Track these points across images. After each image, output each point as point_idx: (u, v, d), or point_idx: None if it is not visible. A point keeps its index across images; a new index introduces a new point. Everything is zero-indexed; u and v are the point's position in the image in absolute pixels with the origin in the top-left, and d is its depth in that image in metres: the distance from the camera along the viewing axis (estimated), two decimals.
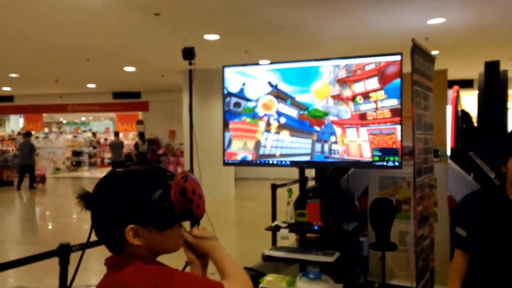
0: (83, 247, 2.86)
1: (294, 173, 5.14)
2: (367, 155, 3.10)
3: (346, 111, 3.18)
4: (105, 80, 14.15)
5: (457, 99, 5.25)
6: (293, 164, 3.44)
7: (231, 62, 3.72)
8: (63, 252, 2.72)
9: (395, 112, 3.00)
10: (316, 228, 3.25)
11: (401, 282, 4.21)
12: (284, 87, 3.40)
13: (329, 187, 3.62)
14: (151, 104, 17.98)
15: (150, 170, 1.20)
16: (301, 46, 8.61)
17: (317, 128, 3.33)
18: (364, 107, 3.10)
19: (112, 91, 17.62)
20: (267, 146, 3.50)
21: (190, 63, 4.14)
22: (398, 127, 2.98)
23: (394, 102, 3.00)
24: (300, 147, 3.39)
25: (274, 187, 6.00)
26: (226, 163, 3.69)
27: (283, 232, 3.26)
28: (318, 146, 3.32)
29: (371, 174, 4.60)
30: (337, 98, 3.21)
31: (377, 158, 2.96)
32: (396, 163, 2.91)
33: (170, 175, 1.21)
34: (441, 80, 4.37)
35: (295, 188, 4.09)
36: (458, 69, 11.25)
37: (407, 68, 3.06)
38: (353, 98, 3.14)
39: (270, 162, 3.49)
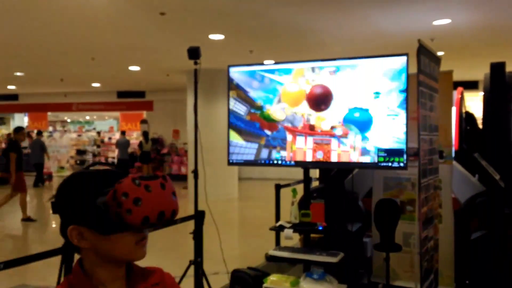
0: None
1: (298, 173, 5.14)
2: (308, 159, 3.31)
3: (300, 120, 3.26)
4: (109, 79, 14.19)
5: (461, 100, 5.24)
6: (298, 164, 3.44)
7: (236, 62, 3.72)
8: (66, 250, 2.72)
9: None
10: (320, 228, 3.25)
11: (405, 283, 4.20)
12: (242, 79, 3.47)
13: (333, 188, 3.62)
14: (156, 103, 18.01)
15: (105, 171, 1.16)
16: (306, 47, 8.61)
17: (267, 132, 3.37)
18: (313, 120, 3.27)
19: (117, 90, 17.66)
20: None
21: (196, 63, 4.13)
22: (333, 140, 3.22)
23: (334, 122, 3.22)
24: (245, 152, 3.46)
25: (278, 187, 6.00)
26: (230, 163, 3.68)
27: (287, 232, 3.25)
28: (264, 152, 3.37)
29: (376, 175, 4.59)
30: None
31: (382, 159, 2.96)
32: (402, 164, 2.90)
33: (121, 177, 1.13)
34: (446, 81, 4.36)
35: (299, 188, 4.09)
36: (463, 70, 11.21)
37: (412, 69, 3.05)
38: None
39: (275, 162, 3.49)
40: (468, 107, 6.16)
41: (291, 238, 3.28)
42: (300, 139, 3.32)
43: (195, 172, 4.27)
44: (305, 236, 3.68)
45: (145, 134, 16.28)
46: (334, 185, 3.66)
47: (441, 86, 3.74)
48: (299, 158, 3.34)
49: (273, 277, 3.06)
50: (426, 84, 3.17)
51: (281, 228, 3.34)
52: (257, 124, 3.42)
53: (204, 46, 4.21)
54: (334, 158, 3.22)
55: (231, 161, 3.67)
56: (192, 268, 3.76)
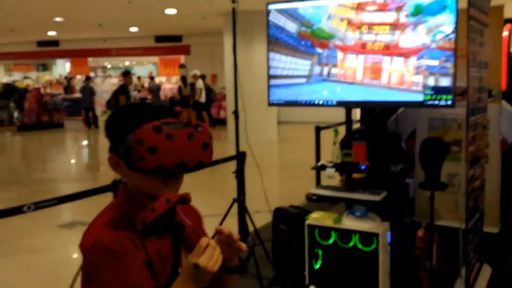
0: None
1: (338, 116, 5.07)
2: (359, 78, 3.17)
3: (351, 37, 3.13)
4: (147, 23, 14.16)
5: (509, 38, 4.98)
6: (340, 104, 3.38)
7: (274, 0, 3.61)
8: (116, 187, 2.83)
9: (388, 47, 3.02)
10: (363, 167, 3.23)
11: (448, 223, 4.20)
12: None
13: (375, 128, 3.56)
14: (193, 47, 17.96)
15: (155, 107, 1.16)
16: None
17: (319, 50, 3.27)
18: (366, 37, 3.09)
19: (154, 35, 17.66)
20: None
21: (233, 1, 4.05)
22: (386, 58, 3.03)
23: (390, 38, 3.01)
24: (298, 68, 3.35)
25: (318, 129, 5.98)
26: (270, 104, 3.66)
27: (329, 171, 3.26)
28: (317, 69, 3.28)
29: (420, 116, 4.49)
30: (348, 23, 3.17)
31: (428, 97, 2.87)
32: (449, 102, 2.81)
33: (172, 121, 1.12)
34: (496, 17, 4.13)
35: (340, 130, 4.06)
36: None
37: (462, 4, 2.89)
38: (359, 27, 3.10)
39: (316, 102, 3.44)
40: None
41: (332, 176, 3.29)
42: (351, 57, 3.20)
43: (236, 113, 4.28)
44: (347, 175, 3.68)
45: (183, 78, 16.35)
46: (376, 126, 3.60)
47: (491, 22, 3.54)
48: (349, 76, 3.21)
49: (315, 214, 3.09)
50: (477, 18, 3.01)
51: (323, 167, 3.34)
52: (308, 42, 3.34)
53: None
54: (384, 79, 3.08)
55: (271, 101, 3.65)
56: (235, 206, 3.86)
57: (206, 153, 1.15)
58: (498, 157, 4.26)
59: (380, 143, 3.53)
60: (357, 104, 3.38)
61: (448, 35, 2.78)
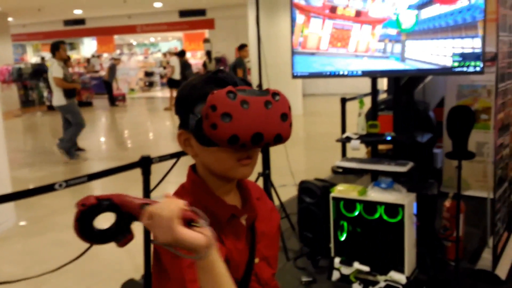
0: (163, 158, 3.01)
1: (364, 88, 4.99)
2: (323, 47, 3.17)
3: None
4: None
5: None
6: (365, 74, 3.32)
7: None
8: (145, 164, 2.88)
9: (359, 14, 3.04)
10: (389, 138, 3.19)
11: (476, 193, 4.14)
12: None
13: (402, 98, 3.49)
14: (217, 21, 17.86)
15: (218, 78, 1.06)
16: None
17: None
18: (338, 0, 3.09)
19: (178, 10, 17.62)
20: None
21: None
22: (356, 26, 3.06)
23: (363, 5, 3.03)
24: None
25: (344, 101, 5.91)
26: (294, 76, 3.63)
27: (354, 143, 3.23)
28: None
29: (449, 84, 4.39)
30: None
31: (456, 64, 2.79)
32: (478, 68, 2.72)
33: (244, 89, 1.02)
34: None
35: (366, 101, 4.00)
36: None
37: None
38: None
39: (340, 73, 3.39)
40: None
41: (358, 148, 3.26)
42: (315, 22, 3.12)
43: (260, 87, 4.26)
44: (373, 147, 3.64)
45: (208, 53, 16.34)
46: (403, 96, 3.54)
47: None
48: (310, 45, 3.17)
49: (340, 187, 3.09)
50: None
51: (348, 139, 3.31)
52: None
53: None
54: (352, 47, 3.07)
55: (295, 73, 3.61)
56: (260, 180, 3.88)
57: (284, 125, 1.03)
58: None
59: (407, 113, 3.47)
60: (382, 73, 3.32)
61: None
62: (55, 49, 6.84)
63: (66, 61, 7.19)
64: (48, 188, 2.58)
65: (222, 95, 0.96)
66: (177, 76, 13.35)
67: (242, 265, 1.10)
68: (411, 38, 2.90)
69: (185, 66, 13.54)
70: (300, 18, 3.22)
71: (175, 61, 13.72)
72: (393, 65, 3.04)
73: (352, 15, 3.07)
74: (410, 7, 2.89)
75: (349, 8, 3.08)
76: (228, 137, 0.96)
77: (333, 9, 3.11)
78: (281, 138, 1.03)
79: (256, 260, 1.13)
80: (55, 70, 6.80)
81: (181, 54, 14.01)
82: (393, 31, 2.97)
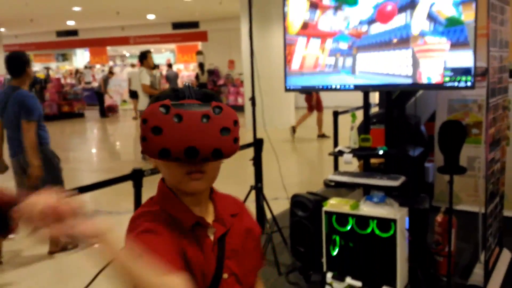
0: (155, 171, 2.99)
1: (356, 101, 5.00)
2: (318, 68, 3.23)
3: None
4: (164, 10, 14.16)
5: None
6: (357, 88, 3.34)
7: None
8: (136, 176, 2.86)
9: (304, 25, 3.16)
10: (381, 152, 3.19)
11: (467, 207, 4.15)
12: None
13: (394, 112, 3.51)
14: (210, 33, 17.94)
15: (175, 89, 1.07)
16: None
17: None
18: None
19: (171, 22, 17.68)
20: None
21: None
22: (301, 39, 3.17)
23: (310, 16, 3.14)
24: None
25: (336, 114, 5.93)
26: (287, 89, 3.64)
27: (347, 156, 3.23)
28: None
29: (440, 98, 4.42)
30: None
31: (448, 79, 2.81)
32: (469, 84, 2.74)
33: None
34: None
35: (358, 114, 4.01)
36: None
37: None
38: None
39: (333, 87, 3.41)
40: None
41: (350, 162, 3.26)
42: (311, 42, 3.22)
43: (253, 99, 4.27)
44: (365, 160, 3.64)
45: (201, 65, 16.38)
46: (395, 109, 3.55)
47: None
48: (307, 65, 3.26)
49: (332, 201, 3.08)
50: None
51: (340, 153, 3.31)
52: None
53: None
54: (295, 64, 3.20)
55: (288, 87, 3.62)
56: (253, 193, 3.86)
57: (224, 140, 1.01)
58: None
59: (399, 127, 3.48)
60: (374, 87, 3.33)
61: (356, 25, 2.98)
62: (143, 58, 7.33)
63: (153, 68, 7.59)
64: None
65: (155, 109, 0.98)
66: (134, 87, 13.55)
67: (209, 277, 1.09)
68: (361, 51, 3.01)
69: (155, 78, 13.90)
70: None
71: (131, 73, 14.26)
72: (344, 79, 3.14)
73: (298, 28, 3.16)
74: (361, 22, 2.99)
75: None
76: (158, 150, 0.98)
77: None
78: (220, 153, 1.01)
79: (225, 276, 1.12)
80: (143, 77, 7.19)
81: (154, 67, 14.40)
82: (344, 45, 3.06)
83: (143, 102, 7.38)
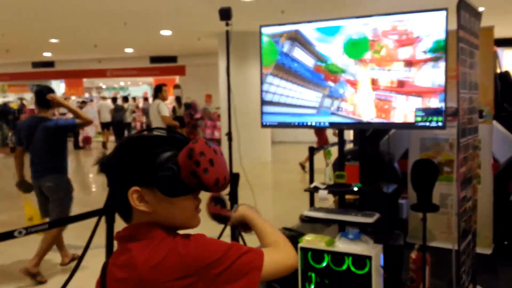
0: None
1: (331, 137, 5.08)
2: (366, 117, 3.20)
3: (363, 72, 3.17)
4: (142, 44, 14.26)
5: (495, 60, 5.04)
6: (332, 125, 3.40)
7: (267, 23, 3.65)
8: (109, 211, 2.82)
9: (401, 84, 3.05)
10: (355, 189, 3.23)
11: (441, 244, 4.19)
12: (307, 32, 3.38)
13: (368, 149, 3.58)
14: (188, 68, 18.06)
15: (159, 136, 1.12)
16: (341, 4, 8.37)
17: (331, 84, 3.30)
18: (377, 73, 3.13)
19: (149, 56, 17.77)
20: (269, 91, 3.55)
21: (227, 24, 4.09)
22: (397, 97, 3.06)
23: (404, 75, 3.04)
24: (308, 99, 3.38)
25: (312, 150, 5.98)
26: (264, 125, 3.68)
27: (322, 193, 3.26)
28: (327, 102, 3.32)
29: (412, 136, 4.52)
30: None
31: (419, 119, 2.89)
32: (440, 124, 2.83)
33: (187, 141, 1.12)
34: (487, 38, 4.19)
35: (333, 151, 4.06)
36: (505, 26, 10.72)
37: (452, 25, 2.93)
38: (370, 62, 3.17)
39: (309, 123, 3.46)
40: (504, 66, 5.91)
41: (326, 199, 3.29)
42: (360, 93, 3.22)
43: (229, 135, 4.29)
44: (340, 197, 3.68)
45: (178, 99, 16.39)
46: (369, 146, 3.62)
47: (481, 43, 3.59)
48: (357, 113, 3.24)
49: (308, 237, 3.08)
50: (467, 40, 3.05)
51: (316, 189, 3.34)
52: (321, 75, 3.37)
53: (234, 8, 4.15)
54: (396, 117, 3.07)
55: (264, 123, 3.66)
56: (228, 228, 3.83)
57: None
58: (490, 178, 4.28)
59: (373, 163, 3.54)
60: (349, 126, 3.40)
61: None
62: (158, 91, 7.57)
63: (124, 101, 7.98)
64: (8, 236, 2.48)
65: (203, 143, 1.08)
66: (104, 119, 15.42)
67: None
68: None
69: (119, 109, 15.41)
70: (350, 90, 3.29)
71: (101, 105, 15.68)
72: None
73: (394, 85, 3.10)
74: None
75: (389, 78, 3.12)
76: (214, 180, 1.08)
77: (374, 82, 3.17)
78: (228, 182, 1.16)
79: None
80: (162, 109, 7.39)
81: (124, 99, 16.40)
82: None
83: None
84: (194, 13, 9.08)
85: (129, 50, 15.98)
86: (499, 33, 5.88)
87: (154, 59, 17.95)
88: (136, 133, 1.16)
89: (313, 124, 3.45)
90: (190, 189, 1.09)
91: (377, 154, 4.06)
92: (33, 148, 4.32)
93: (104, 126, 15.61)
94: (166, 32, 11.78)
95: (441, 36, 2.90)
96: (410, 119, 3.01)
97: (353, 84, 3.22)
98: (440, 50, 2.91)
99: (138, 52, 16.53)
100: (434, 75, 2.92)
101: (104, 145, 15.31)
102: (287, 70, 3.47)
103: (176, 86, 18.16)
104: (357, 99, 3.22)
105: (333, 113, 3.32)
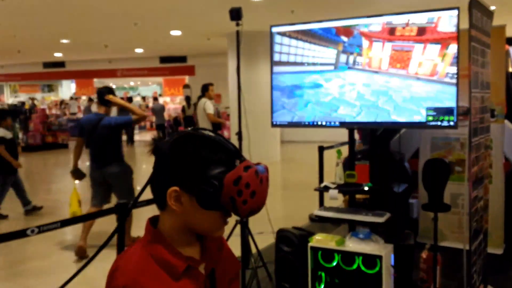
0: (139, 204, 2.97)
1: (341, 136, 5.07)
2: (384, 68, 3.08)
3: (378, 23, 3.10)
4: (152, 44, 14.32)
5: (507, 59, 5.00)
6: (342, 124, 3.39)
7: (276, 23, 3.65)
8: (120, 210, 2.84)
9: (421, 31, 2.94)
10: (366, 188, 3.23)
11: (452, 244, 4.17)
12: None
13: (378, 149, 3.56)
14: (197, 68, 18.11)
15: (213, 139, 1.11)
16: (352, 4, 8.35)
17: (344, 38, 3.27)
18: (396, 20, 3.04)
19: (159, 56, 17.84)
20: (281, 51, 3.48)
21: (237, 24, 4.10)
22: (418, 46, 2.93)
23: (423, 20, 2.93)
24: (324, 56, 3.34)
25: (321, 149, 5.98)
26: (274, 125, 3.68)
27: (332, 192, 3.25)
28: (343, 57, 3.28)
29: (423, 135, 4.50)
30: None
31: (431, 118, 2.88)
32: (451, 123, 2.82)
33: (239, 157, 1.11)
34: (498, 37, 4.16)
35: (343, 150, 4.05)
36: None
37: (464, 24, 2.92)
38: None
39: (319, 123, 3.46)
40: None
41: (336, 198, 3.28)
42: (377, 45, 3.11)
43: (239, 134, 4.29)
44: (350, 196, 3.67)
45: (187, 99, 16.46)
46: (379, 146, 3.61)
47: (493, 42, 3.56)
48: (374, 65, 3.13)
49: (318, 236, 3.08)
50: (478, 39, 3.03)
51: (326, 188, 3.34)
52: (333, 30, 3.34)
53: (244, 8, 4.15)
54: (412, 69, 2.95)
55: (274, 122, 3.67)
56: (238, 227, 3.84)
57: None
58: (502, 177, 4.25)
59: (383, 163, 3.53)
60: (359, 125, 3.39)
61: None
62: (205, 90, 8.23)
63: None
64: (20, 234, 2.51)
65: (253, 174, 1.06)
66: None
67: None
68: None
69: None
70: (365, 43, 3.21)
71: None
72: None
73: (413, 33, 2.98)
74: None
75: (409, 26, 2.99)
76: (248, 211, 1.08)
77: (391, 31, 3.06)
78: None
79: None
80: (207, 107, 7.96)
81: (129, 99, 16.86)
82: None
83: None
84: (203, 13, 9.11)
85: (139, 50, 16.06)
86: (511, 32, 5.83)
87: (164, 59, 18.02)
88: (194, 132, 1.13)
89: (324, 123, 3.45)
90: (224, 208, 1.08)
91: (387, 154, 4.04)
92: (95, 142, 4.85)
93: None
94: (176, 32, 11.83)
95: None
96: (426, 68, 2.90)
97: (368, 36, 3.15)
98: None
99: (148, 52, 16.61)
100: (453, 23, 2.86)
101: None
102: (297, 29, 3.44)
103: (186, 86, 18.24)
104: (372, 52, 3.13)
105: (350, 68, 3.27)
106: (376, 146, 3.54)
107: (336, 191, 3.25)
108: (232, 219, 3.94)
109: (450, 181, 3.11)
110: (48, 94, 26.11)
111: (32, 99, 22.24)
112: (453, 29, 2.86)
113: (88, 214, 3.04)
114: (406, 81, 3.02)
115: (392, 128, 4.11)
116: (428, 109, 2.89)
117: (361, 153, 4.37)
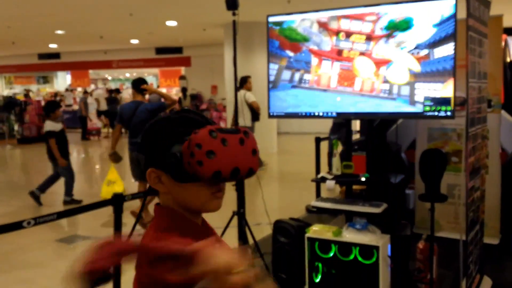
0: (135, 196, 2.96)
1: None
2: (333, 85, 3.20)
3: (328, 43, 3.15)
4: (148, 35, 14.23)
5: (505, 48, 4.99)
6: (339, 115, 3.38)
7: (272, 13, 3.62)
8: (117, 202, 2.83)
9: (362, 55, 3.10)
10: (363, 179, 3.22)
11: (448, 235, 4.18)
12: None
13: (375, 139, 3.56)
14: (193, 59, 18.02)
15: (189, 119, 1.12)
16: None
17: (290, 53, 3.25)
18: (343, 44, 3.13)
19: (155, 47, 17.75)
20: None
21: (234, 14, 4.06)
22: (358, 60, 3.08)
23: (366, 47, 3.08)
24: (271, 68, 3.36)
25: (318, 140, 5.98)
26: (271, 116, 3.67)
27: (329, 183, 3.25)
28: (286, 74, 3.27)
29: (420, 126, 4.49)
30: (323, 26, 3.19)
31: (428, 108, 2.87)
32: (449, 113, 2.81)
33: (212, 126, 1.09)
34: (495, 26, 4.14)
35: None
36: None
37: (461, 14, 2.90)
38: (337, 33, 3.16)
39: (316, 114, 3.45)
40: None
41: (332, 189, 3.28)
42: (326, 64, 3.19)
43: (236, 126, 4.28)
44: (347, 187, 3.67)
45: (183, 90, 16.42)
46: (376, 137, 3.60)
47: (490, 31, 3.55)
48: (323, 83, 3.23)
49: (315, 227, 3.08)
50: (476, 29, 3.02)
51: (323, 179, 3.33)
52: (276, 43, 3.32)
53: None
54: (357, 86, 3.12)
55: (271, 113, 3.65)
56: (235, 219, 3.84)
57: (255, 160, 1.14)
58: (498, 168, 4.26)
59: (380, 154, 3.52)
60: (356, 115, 3.38)
61: (411, 50, 2.94)
62: (244, 82, 8.35)
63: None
64: (16, 226, 2.50)
65: (205, 134, 1.05)
66: (103, 107, 15.92)
67: None
68: (420, 80, 2.91)
69: (113, 100, 15.72)
70: (314, 60, 3.27)
71: (99, 94, 16.17)
72: (401, 107, 3.04)
73: (356, 56, 3.14)
74: (418, 46, 2.92)
75: (353, 50, 3.15)
76: (212, 173, 1.05)
77: (339, 52, 3.19)
78: (253, 172, 1.13)
79: None
80: (249, 97, 8.17)
81: (116, 91, 17.02)
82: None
83: (246, 118, 7.95)
84: (199, 3, 9.04)
85: (134, 41, 15.97)
86: (508, 22, 5.81)
87: (159, 50, 17.93)
88: (164, 115, 1.16)
89: (320, 114, 3.43)
90: (202, 178, 1.06)
91: (384, 144, 4.04)
92: (134, 125, 5.39)
93: (101, 114, 16.32)
94: (171, 23, 11.75)
95: (394, 16, 2.97)
96: (368, 85, 3.07)
97: (317, 54, 3.20)
98: (392, 28, 2.98)
99: (144, 43, 16.52)
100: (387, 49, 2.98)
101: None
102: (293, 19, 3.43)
103: (182, 77, 18.18)
104: (322, 69, 3.20)
105: (293, 87, 3.29)
106: (373, 137, 3.53)
107: (333, 182, 3.24)
108: (229, 211, 3.93)
109: (446, 172, 3.11)
110: (43, 86, 25.95)
111: (28, 90, 22.11)
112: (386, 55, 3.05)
113: (83, 206, 3.02)
114: (353, 97, 3.20)
115: (389, 119, 4.10)
116: (425, 99, 2.88)
117: (358, 144, 4.37)
